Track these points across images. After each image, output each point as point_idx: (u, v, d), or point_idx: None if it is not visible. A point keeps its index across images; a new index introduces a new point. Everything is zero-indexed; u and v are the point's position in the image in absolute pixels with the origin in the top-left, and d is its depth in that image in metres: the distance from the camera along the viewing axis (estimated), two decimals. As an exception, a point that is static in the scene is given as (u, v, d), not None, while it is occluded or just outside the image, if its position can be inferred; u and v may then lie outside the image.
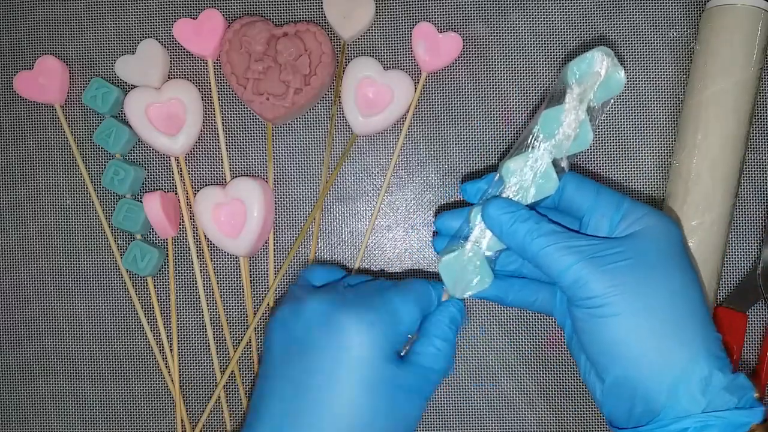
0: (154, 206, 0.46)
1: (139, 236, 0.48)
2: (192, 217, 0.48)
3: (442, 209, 0.47)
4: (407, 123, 0.47)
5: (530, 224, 0.36)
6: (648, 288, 0.34)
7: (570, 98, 0.37)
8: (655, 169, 0.47)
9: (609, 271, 0.34)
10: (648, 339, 0.34)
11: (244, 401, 0.47)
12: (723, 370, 0.34)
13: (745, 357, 0.46)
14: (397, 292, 0.38)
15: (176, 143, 0.47)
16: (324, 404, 0.34)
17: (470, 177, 0.47)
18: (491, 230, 0.38)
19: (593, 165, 0.47)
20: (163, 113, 0.47)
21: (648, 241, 0.35)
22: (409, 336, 0.38)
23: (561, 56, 0.47)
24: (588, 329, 0.35)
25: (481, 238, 0.39)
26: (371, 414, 0.34)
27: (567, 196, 0.38)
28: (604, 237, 0.36)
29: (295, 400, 0.35)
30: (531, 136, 0.38)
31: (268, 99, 0.46)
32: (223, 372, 0.48)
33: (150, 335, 0.48)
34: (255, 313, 0.47)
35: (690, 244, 0.42)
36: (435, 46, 0.46)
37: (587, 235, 0.37)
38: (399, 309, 0.37)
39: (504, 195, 0.38)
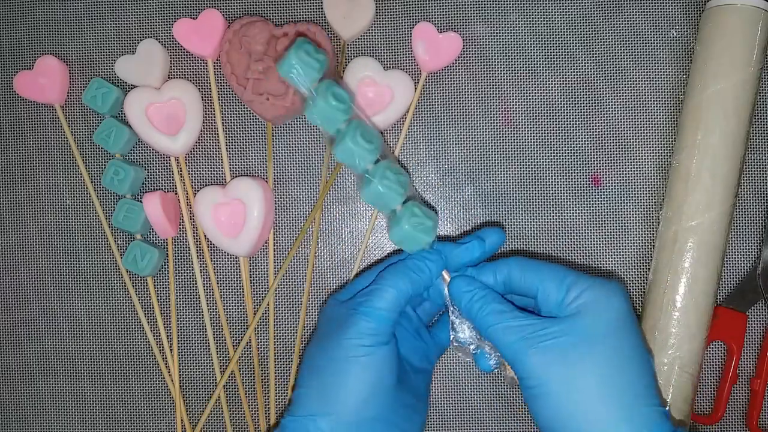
0: (154, 206, 0.46)
1: (139, 236, 0.48)
2: (192, 217, 0.48)
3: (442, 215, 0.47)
4: (407, 123, 0.47)
5: (482, 303, 0.38)
6: (584, 366, 0.35)
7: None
8: (655, 169, 0.47)
9: (543, 350, 0.35)
10: (583, 417, 0.34)
11: (244, 401, 0.47)
12: None
13: (745, 357, 0.46)
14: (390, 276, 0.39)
15: (176, 143, 0.47)
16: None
17: (471, 175, 0.47)
18: (455, 305, 0.40)
19: (593, 165, 0.47)
20: (163, 113, 0.47)
21: (590, 317, 0.36)
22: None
23: (561, 56, 0.47)
24: (531, 407, 0.36)
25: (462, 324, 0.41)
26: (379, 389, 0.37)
27: (515, 280, 0.39)
28: (548, 316, 0.37)
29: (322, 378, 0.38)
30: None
31: (268, 99, 0.46)
32: (223, 372, 0.48)
33: (150, 335, 0.48)
34: (255, 314, 0.47)
35: (690, 243, 0.42)
36: (435, 46, 0.46)
37: (533, 314, 0.38)
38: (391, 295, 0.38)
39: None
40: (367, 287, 0.39)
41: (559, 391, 0.35)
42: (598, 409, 0.34)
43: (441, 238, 0.43)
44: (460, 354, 0.41)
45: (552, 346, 0.35)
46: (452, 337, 0.41)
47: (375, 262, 0.48)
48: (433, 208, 0.40)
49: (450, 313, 0.41)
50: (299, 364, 0.43)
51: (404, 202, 0.40)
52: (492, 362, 0.40)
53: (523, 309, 0.38)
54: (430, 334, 0.43)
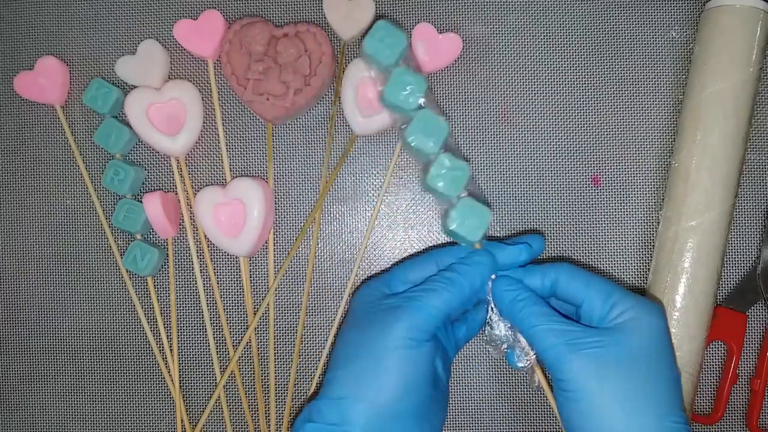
0: (154, 206, 0.46)
1: (139, 236, 0.48)
2: (192, 218, 0.48)
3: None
4: (407, 123, 0.47)
5: (525, 304, 0.39)
6: (622, 378, 0.36)
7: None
8: (655, 169, 0.47)
9: (585, 357, 0.36)
10: (611, 426, 0.35)
11: (244, 401, 0.47)
12: None
13: (745, 357, 0.46)
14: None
15: (176, 143, 0.47)
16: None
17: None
18: (496, 303, 0.40)
19: (592, 166, 0.47)
20: (164, 113, 0.47)
21: (633, 334, 0.37)
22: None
23: (560, 57, 0.48)
24: (562, 408, 0.37)
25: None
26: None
27: (561, 286, 0.40)
28: (590, 326, 0.38)
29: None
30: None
31: (268, 99, 0.46)
32: (222, 372, 0.48)
33: (150, 335, 0.48)
34: (255, 314, 0.47)
35: (689, 244, 0.42)
36: (434, 47, 0.46)
37: (576, 322, 0.38)
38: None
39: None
40: (420, 285, 0.40)
41: (593, 398, 0.35)
42: (627, 421, 0.35)
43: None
44: (489, 348, 0.41)
45: (594, 355, 0.36)
46: (487, 332, 0.41)
47: (425, 249, 0.48)
48: (488, 205, 0.41)
49: (489, 310, 0.41)
50: (332, 348, 0.43)
51: (462, 197, 0.40)
52: (521, 364, 0.40)
53: (564, 315, 0.39)
54: (453, 329, 0.43)
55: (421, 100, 0.41)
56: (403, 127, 0.41)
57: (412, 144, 0.41)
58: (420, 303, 0.38)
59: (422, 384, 0.38)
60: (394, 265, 0.47)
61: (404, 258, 0.48)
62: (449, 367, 0.43)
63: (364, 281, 0.47)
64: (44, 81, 0.48)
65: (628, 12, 0.47)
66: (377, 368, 0.37)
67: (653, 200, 0.47)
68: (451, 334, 0.43)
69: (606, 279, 0.40)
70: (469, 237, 0.40)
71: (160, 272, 0.49)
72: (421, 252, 0.48)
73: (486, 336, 0.41)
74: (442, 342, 0.42)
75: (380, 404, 0.36)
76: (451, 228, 0.40)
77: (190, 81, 0.48)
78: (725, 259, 0.45)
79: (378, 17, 0.48)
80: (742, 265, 0.46)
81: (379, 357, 0.37)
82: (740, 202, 0.46)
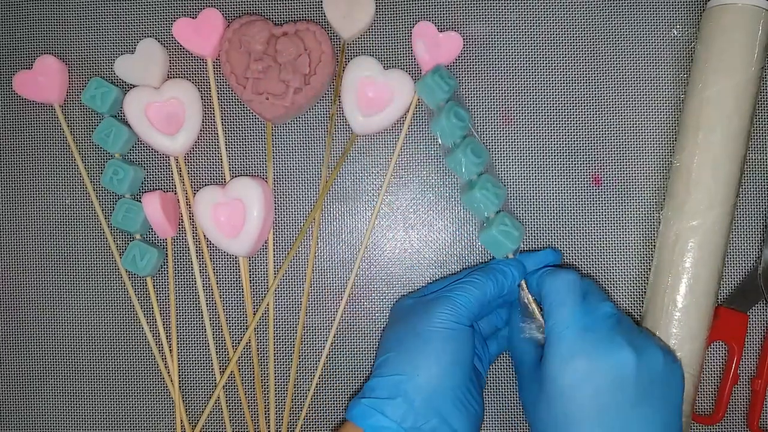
0: (153, 206, 0.46)
1: (138, 236, 0.48)
2: (191, 217, 0.48)
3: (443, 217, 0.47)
4: (407, 123, 0.47)
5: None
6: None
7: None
8: (656, 168, 0.47)
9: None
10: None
11: (244, 402, 0.47)
12: None
13: (746, 357, 0.46)
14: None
15: (175, 143, 0.47)
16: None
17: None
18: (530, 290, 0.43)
19: (593, 165, 0.47)
20: (163, 113, 0.47)
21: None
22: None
23: (562, 54, 0.47)
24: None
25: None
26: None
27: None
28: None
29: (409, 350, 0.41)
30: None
31: (267, 98, 0.45)
32: (222, 373, 0.48)
33: (149, 335, 0.48)
34: (254, 314, 0.47)
35: (691, 243, 0.42)
36: (435, 46, 0.46)
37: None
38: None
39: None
40: (455, 281, 0.43)
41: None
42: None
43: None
44: (528, 330, 0.43)
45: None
46: (524, 322, 0.43)
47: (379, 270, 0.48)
48: (521, 223, 0.46)
49: (525, 303, 0.43)
50: (379, 343, 0.45)
51: (498, 212, 0.44)
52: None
53: None
54: (486, 344, 0.45)
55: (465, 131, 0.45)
56: (449, 151, 0.45)
57: (451, 167, 0.45)
58: (458, 293, 0.41)
59: (465, 363, 0.40)
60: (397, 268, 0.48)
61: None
62: (483, 378, 0.44)
63: (401, 297, 0.48)
64: (43, 80, 0.48)
65: (630, 10, 0.47)
66: (426, 348, 0.39)
67: (654, 200, 0.47)
68: (485, 349, 0.45)
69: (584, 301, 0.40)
70: (501, 250, 0.44)
71: (160, 272, 0.49)
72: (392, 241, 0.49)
73: (524, 325, 0.43)
74: (478, 348, 0.44)
75: (430, 378, 0.39)
76: (483, 241, 0.44)
77: (190, 80, 0.48)
78: (726, 259, 0.45)
79: (377, 16, 0.48)
80: (744, 265, 0.46)
81: (426, 338, 0.40)
82: (742, 201, 0.46)
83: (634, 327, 0.40)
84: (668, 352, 0.40)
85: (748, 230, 0.46)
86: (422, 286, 0.48)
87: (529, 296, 0.43)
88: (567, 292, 0.40)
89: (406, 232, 0.48)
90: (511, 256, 0.44)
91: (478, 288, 0.41)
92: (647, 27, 0.47)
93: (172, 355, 0.48)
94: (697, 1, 0.47)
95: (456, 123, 0.44)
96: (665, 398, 0.38)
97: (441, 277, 0.48)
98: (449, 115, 0.44)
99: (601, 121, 0.47)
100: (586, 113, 0.47)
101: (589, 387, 0.37)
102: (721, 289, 0.46)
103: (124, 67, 0.48)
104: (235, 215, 0.46)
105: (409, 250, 0.48)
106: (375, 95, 0.46)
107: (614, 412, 0.36)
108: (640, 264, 0.47)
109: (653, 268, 0.44)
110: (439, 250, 0.48)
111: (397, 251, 0.48)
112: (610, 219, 0.47)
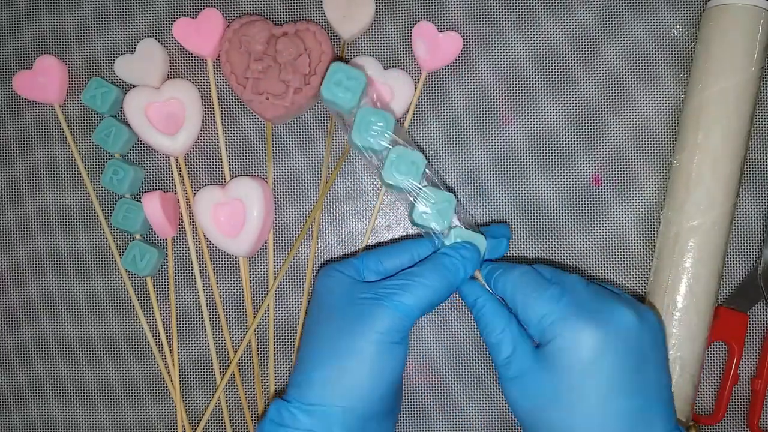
0: (153, 206, 0.46)
1: (138, 236, 0.48)
2: (191, 217, 0.48)
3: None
4: (407, 122, 0.47)
5: (522, 276, 0.39)
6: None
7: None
8: (656, 168, 0.47)
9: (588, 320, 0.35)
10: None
11: (244, 403, 0.47)
12: None
13: (746, 357, 0.46)
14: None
15: (176, 143, 0.47)
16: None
17: (471, 174, 0.47)
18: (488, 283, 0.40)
19: (593, 165, 0.47)
20: (163, 113, 0.47)
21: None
22: None
23: (562, 53, 0.47)
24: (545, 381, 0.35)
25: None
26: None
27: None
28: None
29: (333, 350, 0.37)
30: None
31: (267, 98, 0.45)
32: (223, 374, 0.48)
33: (150, 336, 0.48)
34: (255, 315, 0.47)
35: (691, 244, 0.42)
36: (435, 45, 0.46)
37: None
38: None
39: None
40: (397, 277, 0.38)
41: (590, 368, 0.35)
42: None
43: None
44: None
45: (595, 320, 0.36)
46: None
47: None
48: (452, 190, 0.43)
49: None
50: (305, 322, 0.42)
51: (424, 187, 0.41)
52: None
53: None
54: None
55: (389, 137, 0.41)
56: (379, 167, 0.41)
57: (392, 184, 0.41)
58: (396, 302, 0.36)
59: (397, 384, 0.37)
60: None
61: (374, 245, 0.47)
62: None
63: (326, 262, 0.45)
64: (43, 80, 0.48)
65: (631, 10, 0.47)
66: (357, 371, 0.36)
67: (654, 200, 0.47)
68: None
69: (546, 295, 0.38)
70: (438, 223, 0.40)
71: (160, 272, 0.49)
72: (392, 241, 0.47)
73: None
74: None
75: (360, 408, 0.35)
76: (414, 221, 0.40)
77: (190, 80, 0.48)
78: (726, 259, 0.45)
79: (377, 16, 0.48)
80: (744, 265, 0.46)
81: (357, 359, 0.36)
82: (742, 201, 0.46)
83: (609, 290, 0.39)
84: (650, 309, 0.39)
85: (748, 230, 0.46)
86: (364, 250, 0.45)
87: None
88: (534, 284, 0.37)
89: (406, 232, 0.48)
90: (446, 232, 0.40)
91: (422, 293, 0.37)
92: (647, 27, 0.47)
93: (172, 356, 0.48)
94: (697, 1, 0.47)
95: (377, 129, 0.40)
96: (660, 354, 0.37)
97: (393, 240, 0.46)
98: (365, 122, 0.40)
99: (601, 121, 0.47)
100: (586, 113, 0.47)
101: (606, 359, 0.34)
102: (721, 289, 0.46)
103: (124, 67, 0.48)
104: (235, 215, 0.46)
105: (409, 250, 0.48)
106: (375, 95, 0.46)
107: (627, 375, 0.35)
108: (640, 264, 0.47)
109: (653, 268, 0.44)
110: (439, 250, 0.48)
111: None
112: (610, 219, 0.47)
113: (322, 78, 0.41)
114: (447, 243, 0.40)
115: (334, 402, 0.35)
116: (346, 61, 0.47)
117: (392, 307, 0.36)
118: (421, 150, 0.46)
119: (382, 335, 0.36)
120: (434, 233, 0.41)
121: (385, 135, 0.40)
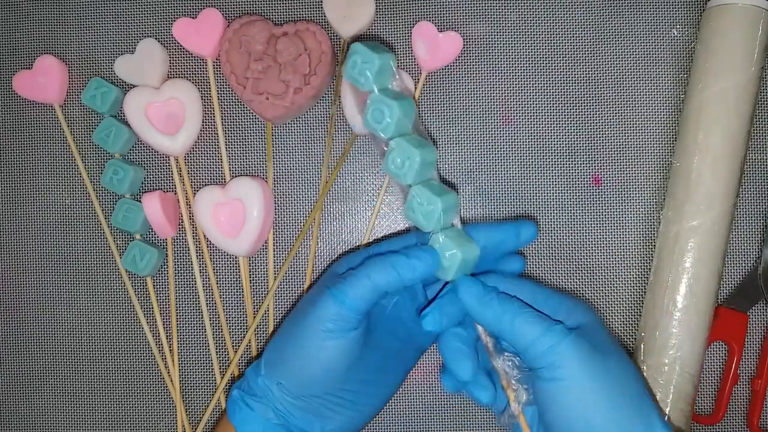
0: (153, 206, 0.46)
1: (138, 236, 0.48)
2: (191, 217, 0.48)
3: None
4: (407, 123, 0.47)
5: (498, 298, 0.37)
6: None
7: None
8: (656, 168, 0.47)
9: (577, 340, 0.35)
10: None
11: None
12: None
13: (746, 357, 0.46)
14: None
15: (175, 143, 0.47)
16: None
17: (471, 174, 0.47)
18: (465, 304, 0.37)
19: (593, 165, 0.47)
20: (163, 113, 0.47)
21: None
22: None
23: (562, 53, 0.47)
24: (549, 403, 0.35)
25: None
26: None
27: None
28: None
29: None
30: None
31: (267, 98, 0.45)
32: (223, 374, 0.48)
33: (150, 336, 0.48)
34: (255, 315, 0.47)
35: (691, 243, 0.42)
36: (435, 45, 0.46)
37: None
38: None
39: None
40: (356, 268, 0.38)
41: (584, 385, 0.34)
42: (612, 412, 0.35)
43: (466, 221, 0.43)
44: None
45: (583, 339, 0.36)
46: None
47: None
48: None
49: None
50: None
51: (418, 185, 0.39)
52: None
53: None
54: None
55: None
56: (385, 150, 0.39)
57: (393, 175, 0.39)
58: (336, 291, 0.37)
59: (338, 371, 0.38)
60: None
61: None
62: (406, 347, 0.42)
63: (326, 263, 0.47)
64: (43, 80, 0.48)
65: (631, 10, 0.47)
66: (294, 354, 0.38)
67: (654, 200, 0.47)
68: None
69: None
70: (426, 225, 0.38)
71: (160, 272, 0.49)
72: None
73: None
74: (407, 315, 0.41)
75: (294, 387, 0.38)
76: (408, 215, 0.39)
77: (189, 80, 0.48)
78: (726, 259, 0.45)
79: (377, 16, 0.48)
80: (744, 265, 0.46)
81: (297, 344, 0.38)
82: (742, 201, 0.46)
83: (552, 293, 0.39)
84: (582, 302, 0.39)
85: (748, 230, 0.46)
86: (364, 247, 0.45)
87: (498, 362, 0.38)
88: (515, 310, 0.36)
89: (406, 232, 0.48)
90: (436, 232, 0.38)
91: (362, 284, 0.37)
92: (647, 27, 0.47)
93: (172, 356, 0.48)
94: (697, 1, 0.47)
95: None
96: (615, 344, 0.37)
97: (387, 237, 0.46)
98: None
99: (601, 121, 0.47)
100: (586, 113, 0.47)
101: (599, 379, 0.34)
102: (721, 289, 0.45)
103: (124, 67, 0.48)
104: (235, 215, 0.46)
105: (409, 250, 0.48)
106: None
107: (614, 384, 0.35)
108: (640, 264, 0.47)
109: (653, 268, 0.44)
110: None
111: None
112: (610, 219, 0.47)
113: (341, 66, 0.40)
114: (432, 244, 0.38)
115: (277, 377, 0.39)
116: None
117: (331, 296, 0.37)
118: (434, 141, 0.45)
119: (317, 323, 0.37)
120: (422, 230, 0.39)
121: (392, 122, 0.38)
